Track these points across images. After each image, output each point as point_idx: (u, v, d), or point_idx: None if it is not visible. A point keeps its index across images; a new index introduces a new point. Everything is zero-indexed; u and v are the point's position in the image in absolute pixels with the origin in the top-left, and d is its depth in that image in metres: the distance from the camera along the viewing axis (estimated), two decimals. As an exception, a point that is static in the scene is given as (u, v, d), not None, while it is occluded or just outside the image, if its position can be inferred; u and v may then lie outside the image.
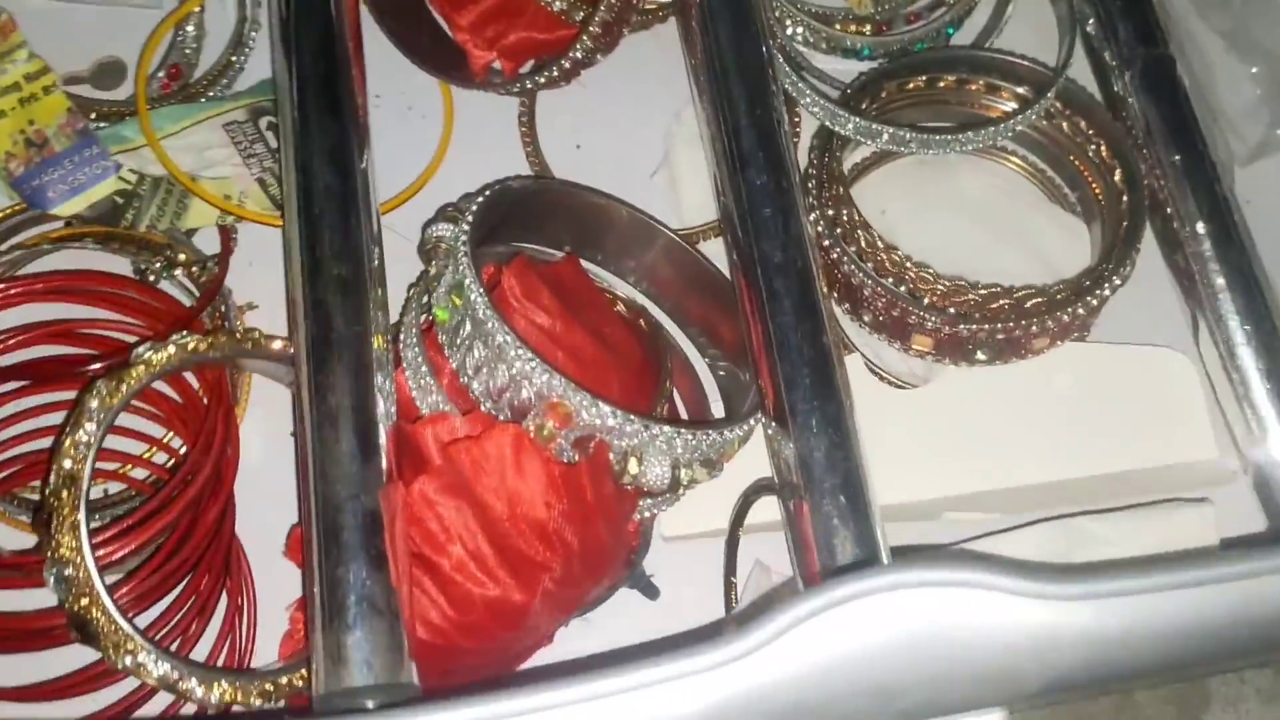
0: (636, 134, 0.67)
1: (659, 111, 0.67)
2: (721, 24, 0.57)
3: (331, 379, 0.51)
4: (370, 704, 0.46)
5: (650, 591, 0.58)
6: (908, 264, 0.56)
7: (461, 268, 0.53)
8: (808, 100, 0.59)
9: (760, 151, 0.56)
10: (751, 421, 0.55)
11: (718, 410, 0.60)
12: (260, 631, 0.58)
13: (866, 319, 0.59)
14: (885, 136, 0.58)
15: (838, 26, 0.65)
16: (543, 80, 0.62)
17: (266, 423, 0.61)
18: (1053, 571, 0.42)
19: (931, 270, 0.56)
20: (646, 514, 0.55)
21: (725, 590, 0.58)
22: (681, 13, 0.61)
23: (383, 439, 0.51)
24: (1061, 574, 0.42)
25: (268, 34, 0.62)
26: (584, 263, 0.61)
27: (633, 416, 0.51)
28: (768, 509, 0.57)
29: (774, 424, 0.54)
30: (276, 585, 0.57)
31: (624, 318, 0.60)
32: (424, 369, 0.54)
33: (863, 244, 0.57)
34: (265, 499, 0.59)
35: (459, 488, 0.49)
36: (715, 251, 0.62)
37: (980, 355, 0.58)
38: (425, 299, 0.56)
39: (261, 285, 0.62)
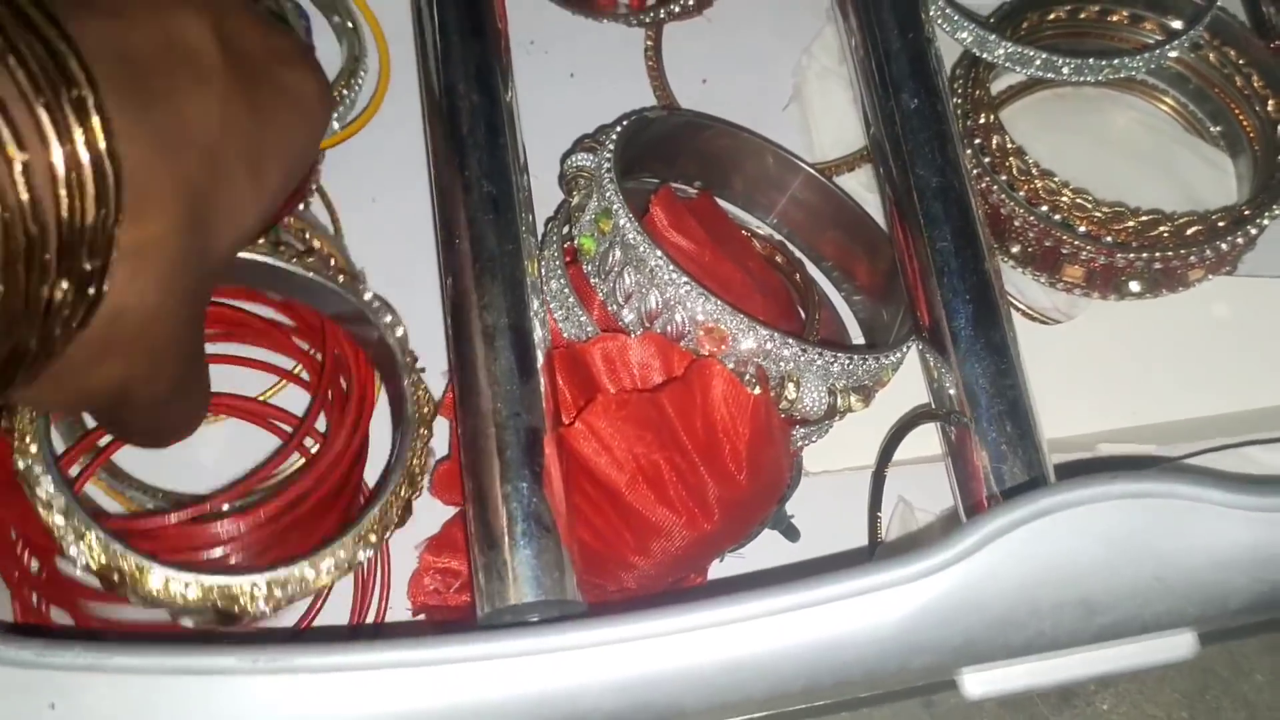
0: (764, 68, 0.65)
1: (787, 45, 0.65)
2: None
3: (488, 296, 0.49)
4: (535, 618, 0.45)
5: (792, 533, 0.57)
6: (1065, 190, 0.55)
7: (608, 194, 0.52)
8: (955, 26, 0.58)
9: (914, 76, 0.55)
10: (905, 348, 0.53)
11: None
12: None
13: (1014, 251, 0.57)
14: (1039, 62, 0.57)
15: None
16: (677, 10, 0.61)
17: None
18: (1265, 485, 0.40)
19: (1090, 196, 0.55)
20: (799, 443, 0.54)
21: (870, 524, 0.56)
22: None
23: (540, 359, 0.49)
24: (1274, 488, 0.40)
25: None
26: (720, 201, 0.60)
27: (790, 340, 0.50)
28: (907, 446, 0.56)
29: (934, 352, 0.53)
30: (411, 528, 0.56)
31: (763, 252, 0.59)
32: (571, 299, 0.53)
33: (1014, 172, 0.56)
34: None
35: (648, 413, 0.48)
36: (850, 186, 0.61)
37: (1133, 287, 0.56)
38: (566, 230, 0.55)
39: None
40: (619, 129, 0.55)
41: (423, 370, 0.59)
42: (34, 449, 0.45)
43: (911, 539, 0.57)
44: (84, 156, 0.31)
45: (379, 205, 0.62)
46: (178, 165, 0.35)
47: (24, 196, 0.30)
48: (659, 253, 0.50)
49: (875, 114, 0.56)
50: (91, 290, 0.33)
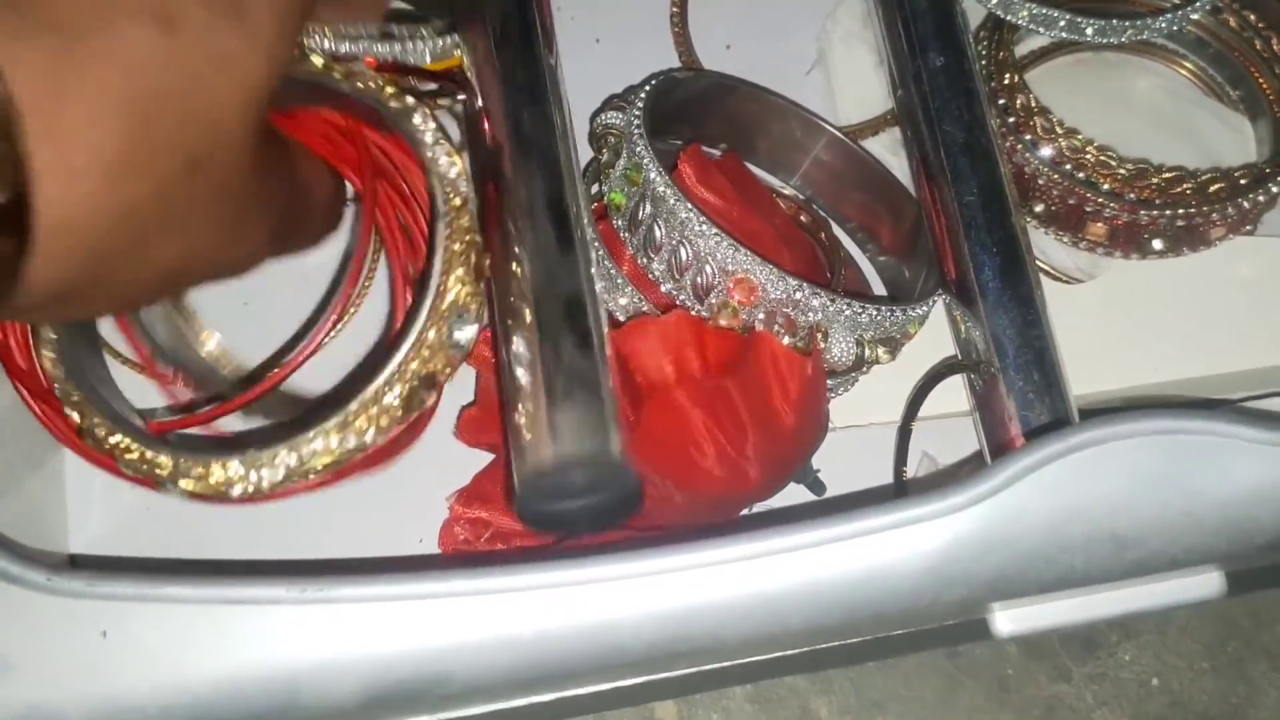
0: (787, 34, 0.66)
1: (810, 11, 0.66)
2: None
3: (522, 170, 0.49)
4: (579, 480, 0.44)
5: (817, 487, 0.58)
6: (1089, 148, 0.56)
7: (638, 149, 0.53)
8: (978, -13, 0.59)
9: (939, 34, 0.55)
10: (932, 301, 0.54)
11: (885, 303, 0.60)
12: (418, 524, 0.58)
13: (1038, 210, 0.58)
14: (1062, 24, 0.57)
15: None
16: (705, -26, 0.62)
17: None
18: (1294, 421, 0.41)
19: (1114, 153, 0.56)
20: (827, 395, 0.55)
21: (895, 478, 0.57)
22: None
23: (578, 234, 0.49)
24: (1304, 423, 0.41)
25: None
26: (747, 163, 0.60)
27: (819, 290, 0.51)
28: (932, 402, 0.57)
29: (961, 305, 0.53)
30: (436, 476, 0.57)
31: (789, 213, 0.60)
32: (602, 253, 0.54)
33: (1039, 130, 0.57)
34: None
35: (710, 402, 0.49)
36: (875, 150, 0.61)
37: (1156, 245, 0.57)
38: (596, 188, 0.56)
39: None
40: (648, 88, 0.55)
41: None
42: None
43: (940, 477, 0.58)
44: None
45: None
46: (115, 42, 0.30)
47: None
48: (689, 205, 0.51)
49: (902, 73, 0.56)
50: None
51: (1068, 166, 0.57)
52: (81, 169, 0.30)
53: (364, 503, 0.57)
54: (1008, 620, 0.44)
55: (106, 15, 0.30)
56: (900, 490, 0.56)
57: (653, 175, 0.52)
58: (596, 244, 0.54)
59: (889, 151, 0.62)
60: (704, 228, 0.50)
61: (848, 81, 0.63)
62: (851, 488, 0.58)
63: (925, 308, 0.54)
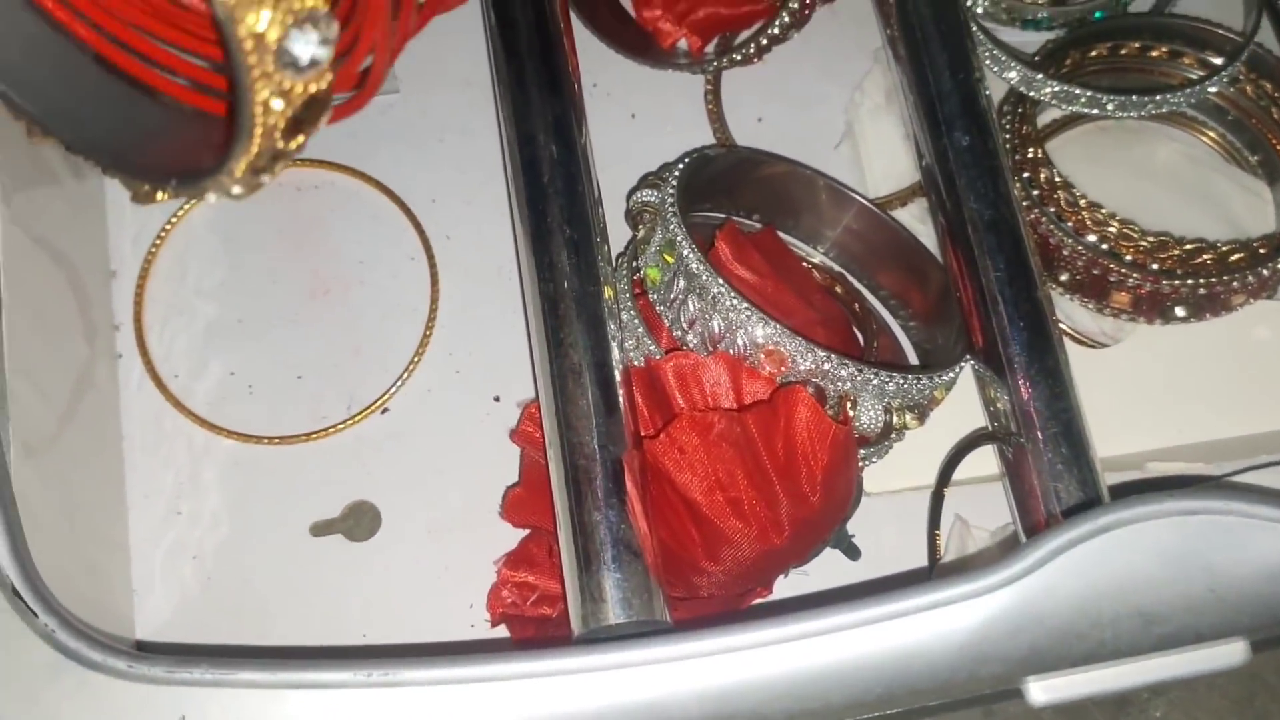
0: (816, 106, 0.68)
1: (838, 83, 0.68)
2: (919, -7, 0.59)
3: (573, 335, 0.52)
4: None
5: (852, 552, 0.59)
6: (1112, 221, 0.57)
7: (671, 226, 0.55)
8: (1002, 66, 0.61)
9: (965, 114, 0.57)
10: (958, 369, 0.56)
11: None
12: (469, 588, 0.60)
13: (1063, 279, 0.60)
14: (1084, 100, 0.59)
15: (1015, -1, 0.66)
16: (739, 59, 0.64)
17: (469, 391, 0.63)
18: (1313, 499, 0.43)
19: (1136, 226, 0.57)
20: (860, 464, 0.57)
21: (929, 543, 0.59)
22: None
23: (622, 393, 0.52)
24: (1321, 501, 0.43)
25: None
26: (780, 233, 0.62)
27: (847, 360, 0.53)
28: (963, 466, 0.58)
29: (989, 373, 0.55)
30: (486, 545, 0.60)
31: (822, 283, 0.62)
32: (641, 329, 0.56)
33: (1063, 204, 0.59)
34: (473, 461, 0.62)
35: (731, 431, 0.51)
36: (904, 218, 0.63)
37: (1179, 311, 0.59)
38: (635, 263, 0.58)
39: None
40: (681, 166, 0.58)
41: (496, 398, 0.63)
42: None
43: (971, 558, 0.60)
44: None
45: (455, 242, 0.66)
46: None
47: None
48: (720, 280, 0.53)
49: (929, 150, 0.58)
50: None
51: (1091, 239, 0.58)
52: None
53: (414, 567, 0.60)
54: (1042, 691, 0.45)
55: None
56: (933, 556, 0.58)
57: (686, 252, 0.54)
58: (636, 320, 0.56)
59: (918, 220, 0.64)
60: (734, 301, 0.52)
61: (876, 153, 0.66)
62: (886, 552, 0.60)
63: (951, 375, 0.56)
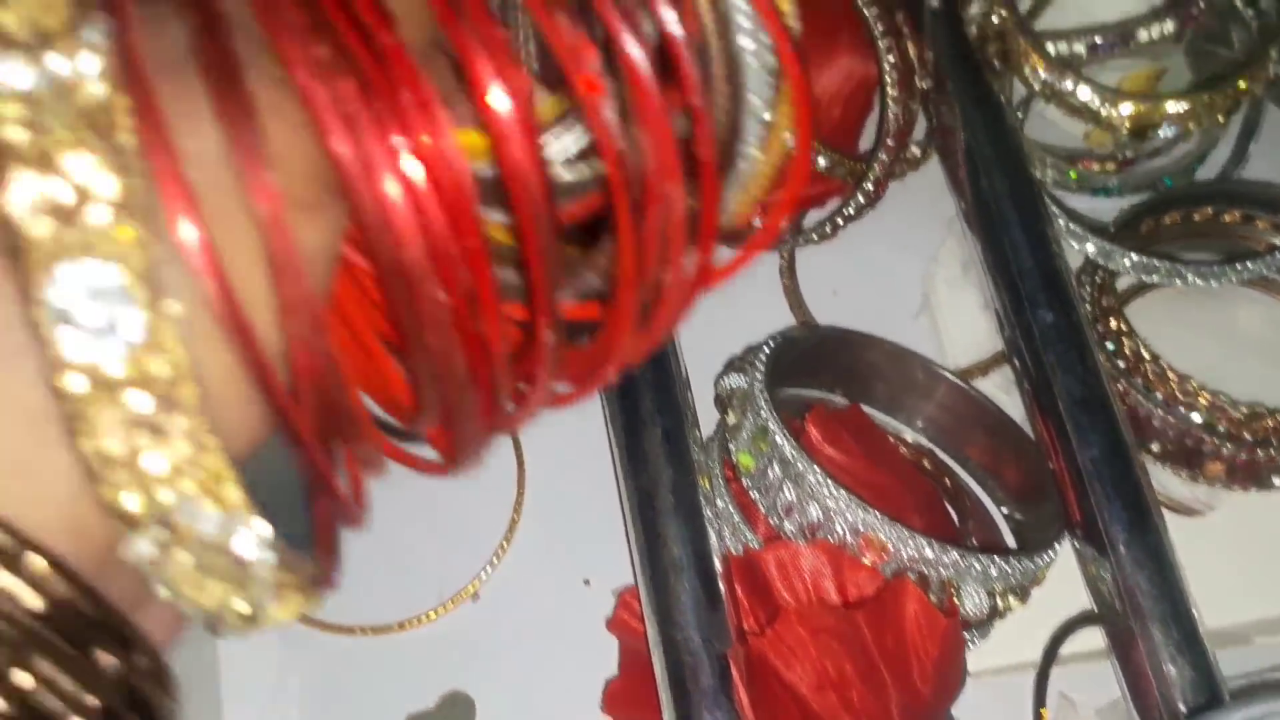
0: (891, 278, 0.69)
1: (912, 255, 0.69)
2: (994, 167, 0.60)
3: (673, 528, 0.52)
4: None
5: (956, 733, 0.59)
6: (1202, 394, 0.57)
7: (763, 414, 0.56)
8: (1079, 239, 0.61)
9: (1047, 290, 0.58)
10: (1058, 547, 0.56)
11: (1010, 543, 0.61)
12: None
13: (1154, 449, 0.60)
14: (1163, 271, 0.60)
15: (1082, 165, 0.67)
16: (815, 239, 0.65)
17: (559, 575, 0.63)
18: None
19: (1227, 397, 0.57)
20: (965, 649, 0.56)
21: (1035, 725, 0.58)
22: (946, 157, 0.63)
23: (719, 574, 0.52)
24: None
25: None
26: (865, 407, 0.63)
27: (950, 547, 0.52)
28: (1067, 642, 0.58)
29: (1092, 551, 0.55)
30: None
31: (911, 460, 0.62)
32: (737, 518, 0.56)
33: (1150, 375, 0.59)
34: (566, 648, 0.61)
35: (840, 627, 0.50)
36: (987, 389, 0.64)
37: (1276, 480, 0.58)
38: (727, 449, 0.58)
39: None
40: (766, 349, 0.58)
41: (586, 581, 0.63)
42: None
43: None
44: None
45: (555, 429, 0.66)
46: None
47: None
48: (816, 468, 0.53)
49: (1012, 326, 0.59)
50: None
51: (1181, 409, 0.58)
52: None
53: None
54: None
55: None
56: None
57: (779, 440, 0.54)
58: (731, 508, 0.56)
59: (1001, 390, 0.64)
60: (832, 489, 0.52)
61: (955, 324, 0.66)
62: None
63: (1053, 554, 0.55)
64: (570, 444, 0.66)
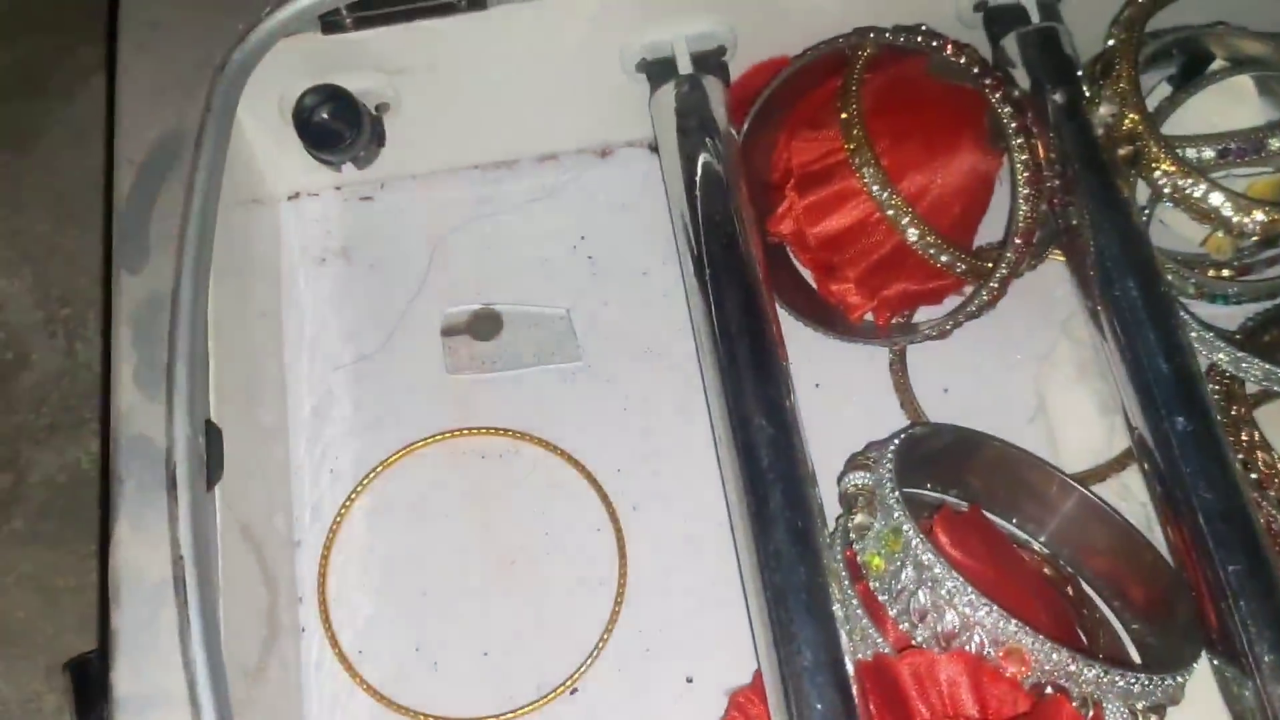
0: (1003, 377, 0.67)
1: (1024, 355, 0.68)
2: (1126, 269, 0.59)
3: (802, 632, 0.51)
4: None
5: None
6: (1341, 507, 0.56)
7: (896, 515, 0.54)
8: (1211, 348, 0.60)
9: (1183, 398, 0.56)
10: (1195, 666, 0.54)
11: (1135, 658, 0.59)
12: None
13: (1287, 563, 0.58)
14: (1296, 382, 0.59)
15: (1200, 272, 0.66)
16: (934, 334, 0.64)
17: (660, 672, 0.61)
18: None
19: (1367, 512, 0.56)
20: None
21: None
22: (1073, 257, 0.62)
23: (856, 696, 0.50)
24: None
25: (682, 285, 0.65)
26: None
27: (1093, 662, 0.50)
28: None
29: (1234, 671, 0.53)
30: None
31: (1033, 564, 0.60)
32: (865, 621, 0.54)
33: (1285, 488, 0.57)
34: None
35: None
36: (1104, 495, 0.62)
37: None
38: (852, 547, 0.57)
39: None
40: (893, 447, 0.57)
41: (689, 679, 0.61)
42: None
43: None
44: None
45: (642, 512, 0.65)
46: None
47: None
48: (955, 574, 0.51)
49: (1147, 436, 0.57)
50: None
51: (1321, 525, 0.57)
52: None
53: None
54: None
55: None
56: None
57: (915, 542, 0.53)
58: (860, 610, 0.54)
59: (1118, 497, 0.63)
60: (973, 598, 0.51)
61: (1071, 427, 0.65)
62: None
63: (1190, 673, 0.54)
64: (672, 539, 0.64)
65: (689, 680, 0.61)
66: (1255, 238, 0.61)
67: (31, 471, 0.71)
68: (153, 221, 0.53)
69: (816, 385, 0.68)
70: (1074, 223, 0.61)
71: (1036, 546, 0.62)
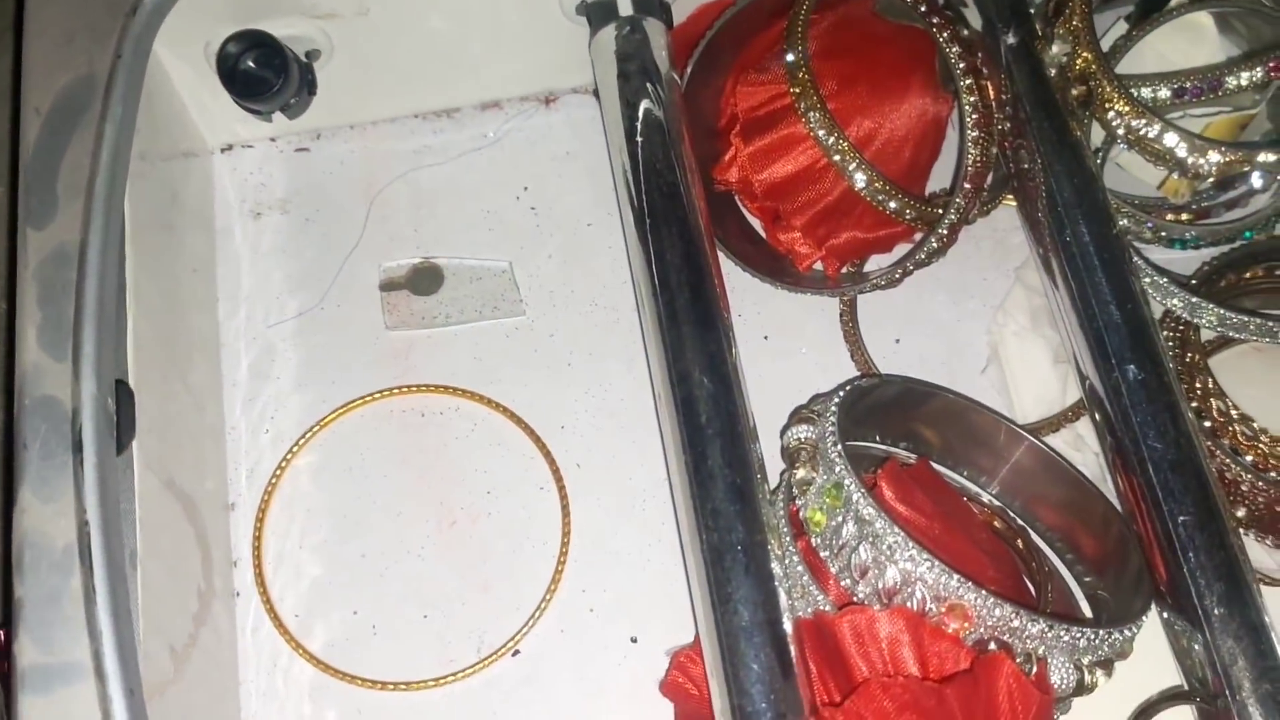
0: (955, 327, 0.66)
1: (976, 304, 0.66)
2: (1079, 214, 0.57)
3: (739, 591, 0.49)
4: None
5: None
6: (1296, 456, 0.55)
7: (838, 469, 0.53)
8: (1165, 293, 0.59)
9: (1136, 347, 0.55)
10: (1145, 620, 0.52)
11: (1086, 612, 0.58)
12: None
13: (1239, 514, 0.57)
14: (1252, 328, 0.57)
15: (1157, 216, 0.65)
16: (883, 283, 0.62)
17: (604, 632, 0.60)
18: None
19: (1322, 462, 0.55)
20: (1047, 726, 0.53)
21: (1115, 807, 0.54)
22: (1025, 203, 0.61)
23: (794, 652, 0.49)
24: None
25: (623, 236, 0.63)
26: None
27: (1037, 617, 0.49)
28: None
29: (1184, 624, 0.52)
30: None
31: (983, 518, 0.59)
32: (805, 578, 0.53)
33: (1239, 437, 0.56)
34: (609, 708, 0.58)
35: (926, 702, 0.47)
36: (1056, 445, 0.61)
37: (1369, 548, 0.56)
38: (794, 503, 0.55)
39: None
40: (837, 399, 0.55)
41: (634, 639, 0.60)
42: None
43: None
44: None
45: (586, 470, 0.63)
46: None
47: None
48: (897, 529, 0.50)
49: (1099, 383, 0.56)
50: None
51: (1273, 474, 0.55)
52: None
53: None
54: None
55: None
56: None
57: (855, 497, 0.51)
58: (800, 567, 0.53)
59: (1071, 447, 0.61)
60: (914, 553, 0.49)
61: (1024, 377, 0.63)
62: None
63: (1140, 627, 0.52)
64: (617, 497, 0.63)
65: (633, 640, 0.60)
66: (1211, 179, 0.60)
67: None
68: (61, 174, 0.51)
69: (765, 337, 0.66)
70: (1025, 166, 0.59)
71: (987, 499, 0.60)
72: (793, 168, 0.62)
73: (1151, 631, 0.54)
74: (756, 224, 0.68)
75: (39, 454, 0.46)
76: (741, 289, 0.66)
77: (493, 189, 0.70)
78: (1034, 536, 0.60)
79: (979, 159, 0.59)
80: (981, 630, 0.49)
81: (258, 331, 0.67)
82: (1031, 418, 0.62)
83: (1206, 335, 0.63)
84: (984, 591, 0.49)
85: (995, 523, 0.59)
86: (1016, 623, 0.49)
